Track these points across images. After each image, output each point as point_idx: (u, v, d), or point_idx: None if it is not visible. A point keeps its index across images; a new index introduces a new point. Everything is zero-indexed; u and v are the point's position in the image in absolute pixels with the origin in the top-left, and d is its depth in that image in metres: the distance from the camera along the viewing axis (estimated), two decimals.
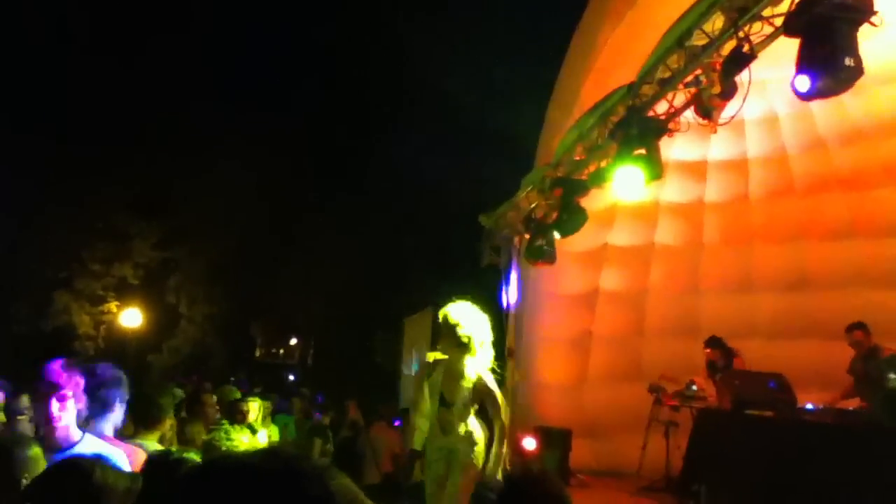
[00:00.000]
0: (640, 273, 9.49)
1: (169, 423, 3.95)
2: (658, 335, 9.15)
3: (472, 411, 4.75)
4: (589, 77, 8.36)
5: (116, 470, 2.25)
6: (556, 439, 7.95)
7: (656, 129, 6.64)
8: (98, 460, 2.28)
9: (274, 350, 31.17)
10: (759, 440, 6.02)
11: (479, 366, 4.74)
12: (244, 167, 20.56)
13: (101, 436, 3.02)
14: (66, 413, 2.72)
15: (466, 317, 4.86)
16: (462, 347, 4.75)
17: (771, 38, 5.18)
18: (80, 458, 2.35)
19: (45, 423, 2.73)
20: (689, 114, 6.17)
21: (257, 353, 29.18)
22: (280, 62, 21.11)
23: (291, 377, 28.81)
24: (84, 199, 19.09)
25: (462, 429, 4.69)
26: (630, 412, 8.33)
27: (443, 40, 19.26)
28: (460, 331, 4.77)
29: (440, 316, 4.93)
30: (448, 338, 4.81)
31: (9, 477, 2.27)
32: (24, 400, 3.94)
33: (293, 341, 30.93)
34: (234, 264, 21.64)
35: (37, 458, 2.42)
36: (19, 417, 3.91)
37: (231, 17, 19.74)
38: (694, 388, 7.68)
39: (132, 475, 2.39)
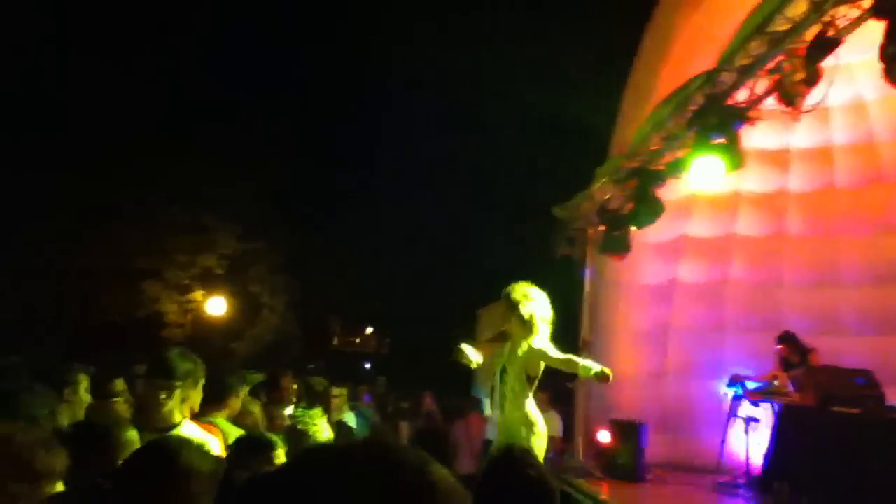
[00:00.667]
0: (720, 265, 9.26)
1: (240, 404, 4.08)
2: (738, 329, 8.93)
3: (531, 392, 4.77)
4: (665, 65, 8.21)
5: (203, 453, 2.33)
6: (631, 433, 7.86)
7: (736, 118, 6.48)
8: (185, 443, 2.38)
9: (350, 339, 31.79)
10: (845, 438, 5.83)
11: (539, 344, 4.77)
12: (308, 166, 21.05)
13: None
14: (170, 399, 2.88)
15: (528, 295, 4.89)
16: (525, 326, 4.79)
17: (858, 21, 4.98)
18: (168, 441, 2.46)
19: (149, 407, 2.89)
20: (772, 101, 6.00)
21: (334, 342, 29.82)
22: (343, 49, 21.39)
23: (367, 366, 29.36)
24: (172, 194, 19.95)
25: (518, 410, 4.70)
26: (709, 407, 8.18)
27: (515, 30, 19.20)
28: (522, 309, 4.81)
29: (503, 294, 4.97)
30: (510, 316, 4.86)
31: (107, 458, 2.42)
32: (119, 384, 4.16)
33: (369, 330, 31.49)
34: (313, 255, 22.16)
35: (133, 440, 2.58)
36: (114, 400, 4.09)
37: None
38: (776, 383, 7.48)
39: (217, 458, 2.49)
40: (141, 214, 19.78)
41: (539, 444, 4.65)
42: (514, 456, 2.44)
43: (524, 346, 4.80)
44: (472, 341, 5.16)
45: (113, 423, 2.73)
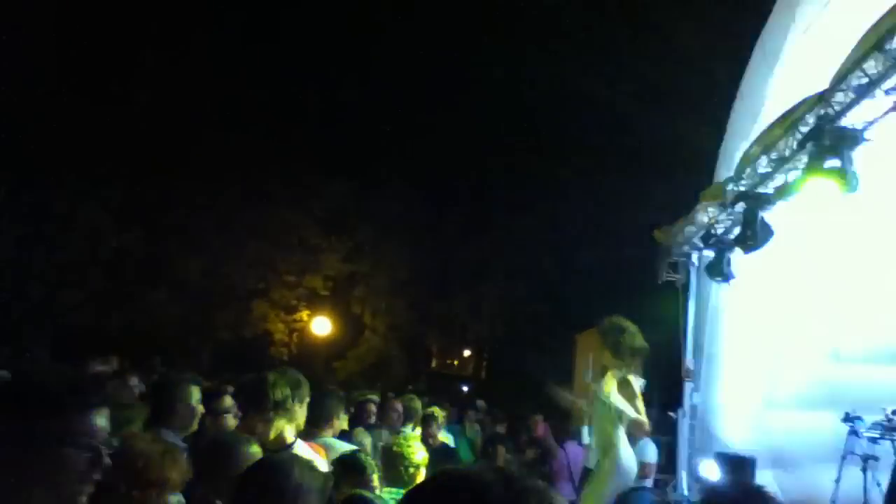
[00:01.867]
0: (836, 293, 8.79)
1: (344, 423, 4.20)
2: (855, 360, 8.43)
3: (620, 421, 4.70)
4: (774, 85, 7.94)
5: (313, 470, 2.44)
6: (738, 467, 7.54)
7: (852, 139, 6.20)
8: (297, 460, 2.48)
9: (448, 361, 31.95)
10: None
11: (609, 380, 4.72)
12: (418, 188, 21.41)
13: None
14: (269, 426, 3.02)
15: (615, 329, 4.86)
16: (612, 359, 4.76)
17: None
18: (280, 458, 2.57)
19: (250, 432, 3.04)
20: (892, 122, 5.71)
21: (433, 364, 30.05)
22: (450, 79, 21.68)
23: (465, 388, 29.39)
24: (280, 215, 20.82)
25: (601, 434, 4.65)
26: (822, 442, 7.75)
27: (611, 47, 18.99)
28: (608, 343, 4.78)
29: (611, 326, 4.92)
30: (602, 349, 4.83)
31: (230, 471, 2.56)
32: (227, 400, 4.38)
33: (467, 353, 31.55)
34: (412, 280, 22.51)
35: (255, 454, 2.72)
36: (225, 416, 4.30)
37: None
38: None
39: (326, 475, 2.59)
40: (252, 234, 20.71)
41: (608, 469, 4.60)
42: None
43: (608, 378, 4.78)
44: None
45: (237, 439, 2.87)
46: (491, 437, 10.66)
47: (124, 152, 18.57)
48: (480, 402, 13.46)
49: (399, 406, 6.68)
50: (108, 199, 18.57)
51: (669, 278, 9.64)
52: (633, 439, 9.23)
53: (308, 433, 3.35)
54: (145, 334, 19.09)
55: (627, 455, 4.66)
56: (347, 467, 2.84)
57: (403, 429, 6.34)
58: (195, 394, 3.60)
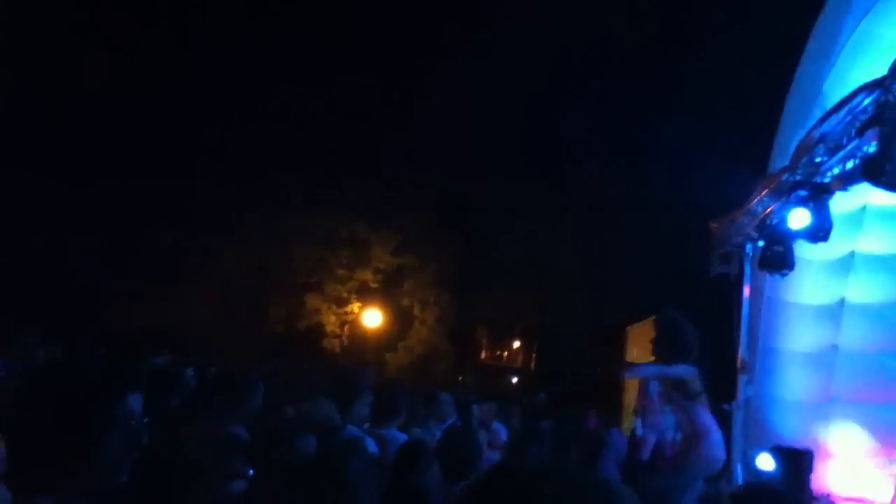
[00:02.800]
0: (894, 283, 8.57)
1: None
2: None
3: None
4: (831, 71, 7.77)
5: (369, 459, 2.53)
6: (795, 460, 7.43)
7: None
8: (354, 449, 2.58)
9: (498, 353, 31.98)
10: None
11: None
12: (463, 179, 21.44)
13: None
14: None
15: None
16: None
17: None
18: (338, 448, 2.67)
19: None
20: None
21: (482, 356, 30.12)
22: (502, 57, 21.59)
23: (514, 380, 29.41)
24: (332, 211, 21.12)
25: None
26: (882, 436, 7.58)
27: (662, 30, 18.71)
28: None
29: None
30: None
31: (291, 459, 2.67)
32: (287, 392, 4.51)
33: (516, 345, 31.53)
34: (462, 271, 22.59)
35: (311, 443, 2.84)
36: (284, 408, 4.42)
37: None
38: None
39: (380, 464, 2.68)
40: (304, 228, 21.05)
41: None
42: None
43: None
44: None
45: (293, 429, 2.99)
46: (535, 407, 10.60)
47: (172, 150, 19.05)
48: (542, 396, 13.42)
49: (449, 398, 6.76)
50: (156, 196, 19.06)
51: (722, 270, 9.51)
52: None
53: (375, 424, 3.44)
54: (196, 330, 19.59)
55: (717, 438, 4.67)
56: (412, 454, 2.92)
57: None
58: (260, 389, 3.73)
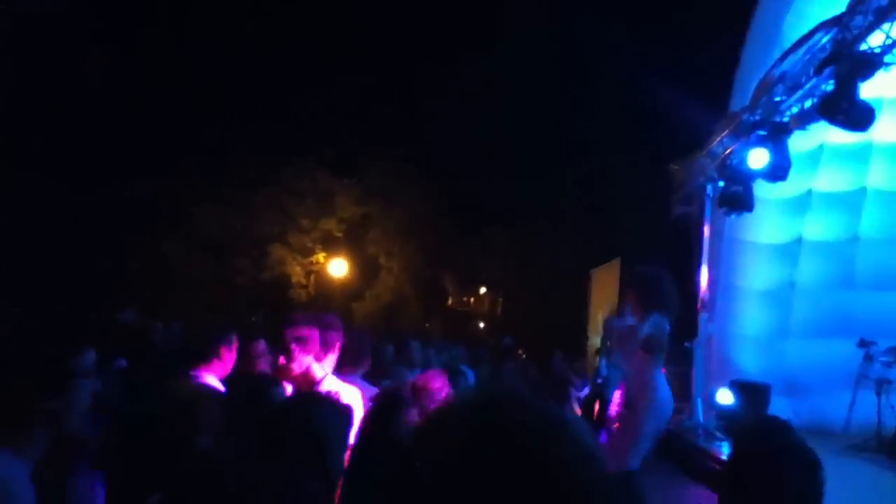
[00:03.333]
0: (850, 221, 8.77)
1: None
2: (870, 287, 8.47)
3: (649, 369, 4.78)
4: (790, 10, 7.77)
5: (337, 407, 2.52)
6: (754, 394, 7.68)
7: (869, 64, 6.09)
8: (320, 399, 2.57)
9: (464, 299, 32.24)
10: None
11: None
12: (434, 130, 21.27)
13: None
14: (306, 357, 3.13)
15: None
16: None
17: None
18: (305, 397, 2.66)
19: (289, 364, 3.14)
20: None
21: (449, 302, 30.35)
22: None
23: (481, 325, 29.76)
24: (293, 161, 20.81)
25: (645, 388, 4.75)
26: (836, 368, 7.86)
27: None
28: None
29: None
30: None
31: (266, 411, 2.66)
32: (261, 344, 4.48)
33: (482, 291, 31.80)
34: (426, 219, 22.56)
35: (283, 394, 2.84)
36: (259, 359, 4.40)
37: None
38: None
39: (350, 412, 2.67)
40: (266, 179, 20.75)
41: (645, 409, 4.68)
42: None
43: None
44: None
45: (270, 381, 2.97)
46: (502, 350, 10.80)
47: (136, 102, 18.55)
48: (508, 339, 13.60)
49: (417, 344, 6.81)
50: (121, 148, 18.60)
51: (683, 210, 9.65)
52: None
53: (342, 373, 3.43)
54: (163, 282, 19.37)
55: (665, 396, 4.72)
56: (386, 401, 2.93)
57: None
58: (233, 340, 3.71)
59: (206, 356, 3.42)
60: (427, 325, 22.81)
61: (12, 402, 1.83)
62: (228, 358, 3.55)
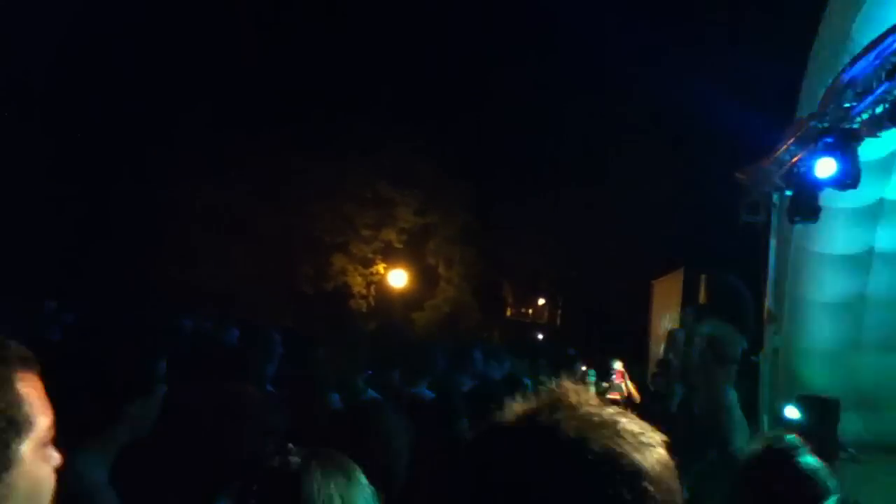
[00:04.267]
0: None
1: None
2: None
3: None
4: (860, 13, 7.54)
5: (399, 416, 2.57)
6: (822, 409, 7.43)
7: None
8: (382, 406, 2.63)
9: (523, 310, 32.05)
10: None
11: None
12: (484, 136, 21.34)
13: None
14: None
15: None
16: None
17: None
18: (367, 405, 2.72)
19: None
20: None
21: (508, 313, 30.23)
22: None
23: (540, 336, 29.55)
24: (356, 171, 21.12)
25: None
26: None
27: None
28: None
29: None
30: None
31: (322, 417, 2.74)
32: (322, 350, 4.58)
33: (541, 301, 31.57)
34: (485, 229, 22.60)
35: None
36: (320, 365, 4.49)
37: None
38: None
39: (409, 420, 2.71)
40: (328, 189, 21.08)
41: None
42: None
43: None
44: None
45: (323, 386, 3.05)
46: (563, 361, 10.75)
47: (202, 108, 19.07)
48: (572, 350, 13.46)
49: (479, 354, 6.82)
50: (186, 154, 19.14)
51: (750, 219, 9.41)
52: None
53: (408, 382, 3.49)
54: (228, 289, 19.84)
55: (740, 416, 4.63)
56: (440, 409, 2.98)
57: None
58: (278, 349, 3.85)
59: (261, 362, 3.53)
60: (486, 335, 22.77)
61: (102, 403, 1.95)
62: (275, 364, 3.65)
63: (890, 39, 6.23)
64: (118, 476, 2.03)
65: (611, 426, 0.86)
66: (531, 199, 22.32)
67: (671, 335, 10.84)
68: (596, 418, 0.87)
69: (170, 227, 19.43)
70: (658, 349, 12.82)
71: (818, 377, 8.26)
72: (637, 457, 0.84)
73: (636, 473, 0.83)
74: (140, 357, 2.16)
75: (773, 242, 8.72)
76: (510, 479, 0.84)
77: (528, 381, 7.45)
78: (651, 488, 0.83)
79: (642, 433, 0.87)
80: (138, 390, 2.05)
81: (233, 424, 2.11)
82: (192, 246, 19.65)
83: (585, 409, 0.89)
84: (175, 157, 18.97)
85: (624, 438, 0.85)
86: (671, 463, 0.87)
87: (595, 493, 0.81)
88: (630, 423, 0.88)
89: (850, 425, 7.62)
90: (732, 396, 7.36)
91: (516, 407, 0.92)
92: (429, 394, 4.02)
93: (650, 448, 0.86)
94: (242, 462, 2.23)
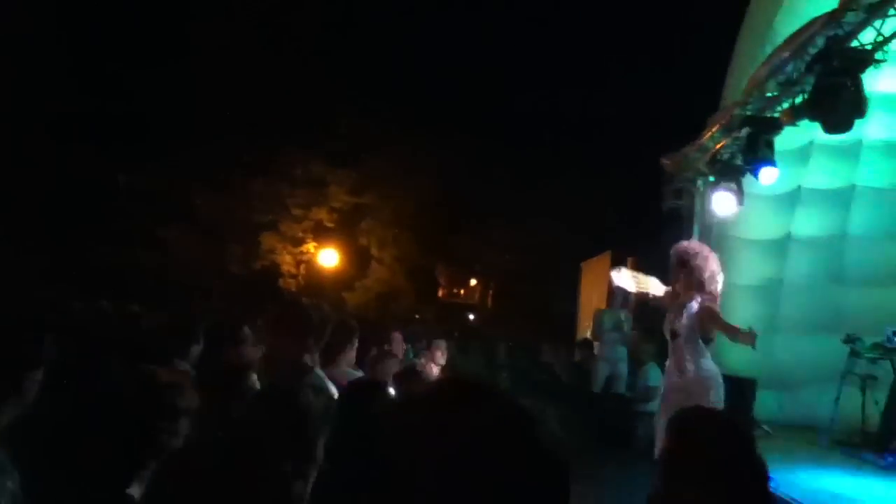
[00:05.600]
0: (840, 217, 8.80)
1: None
2: (859, 283, 8.51)
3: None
4: (783, 5, 7.77)
5: (319, 393, 2.53)
6: (738, 389, 7.71)
7: (861, 61, 6.10)
8: (304, 385, 2.57)
9: (455, 291, 32.23)
10: None
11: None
12: (427, 121, 21.26)
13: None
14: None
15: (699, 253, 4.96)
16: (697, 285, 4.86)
17: None
18: (287, 384, 2.67)
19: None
20: None
21: (440, 294, 30.35)
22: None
23: (471, 316, 29.76)
24: (286, 149, 20.67)
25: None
26: (823, 364, 7.90)
27: None
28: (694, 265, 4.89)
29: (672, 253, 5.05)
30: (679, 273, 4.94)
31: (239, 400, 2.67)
32: (246, 330, 4.49)
33: (473, 282, 31.80)
34: (420, 211, 22.54)
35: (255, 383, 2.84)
36: (243, 346, 4.41)
37: None
38: None
39: (330, 398, 2.67)
40: (260, 167, 20.60)
41: (717, 400, 4.76)
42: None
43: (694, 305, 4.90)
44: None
45: (245, 366, 2.98)
46: (489, 340, 10.90)
47: (130, 87, 18.42)
48: (499, 331, 13.63)
49: (399, 336, 6.81)
50: (119, 134, 18.46)
51: (674, 204, 9.65)
52: (637, 363, 9.46)
53: (325, 363, 3.44)
54: (159, 269, 19.28)
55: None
56: (362, 389, 2.94)
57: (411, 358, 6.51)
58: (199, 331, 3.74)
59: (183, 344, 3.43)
60: (417, 316, 22.80)
61: None
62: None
63: (811, 31, 6.43)
64: (25, 458, 1.93)
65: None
66: (467, 182, 22.39)
67: (596, 315, 11.09)
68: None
69: (101, 207, 18.75)
70: (586, 329, 13.07)
71: (736, 357, 8.54)
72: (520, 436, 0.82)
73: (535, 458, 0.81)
74: (23, 335, 2.06)
75: (696, 227, 8.97)
76: (426, 464, 0.80)
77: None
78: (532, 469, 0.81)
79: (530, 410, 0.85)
80: (20, 366, 1.97)
81: (144, 406, 2.03)
82: (121, 225, 19.01)
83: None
84: (106, 136, 18.25)
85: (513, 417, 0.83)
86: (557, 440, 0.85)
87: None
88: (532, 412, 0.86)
89: (767, 404, 7.93)
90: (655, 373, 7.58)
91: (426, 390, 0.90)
92: (355, 374, 3.98)
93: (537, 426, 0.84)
94: (154, 445, 2.15)
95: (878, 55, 6.06)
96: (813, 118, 6.19)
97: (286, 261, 21.99)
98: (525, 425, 0.83)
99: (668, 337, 5.08)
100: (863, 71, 6.03)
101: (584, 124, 20.34)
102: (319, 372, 3.27)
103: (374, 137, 21.18)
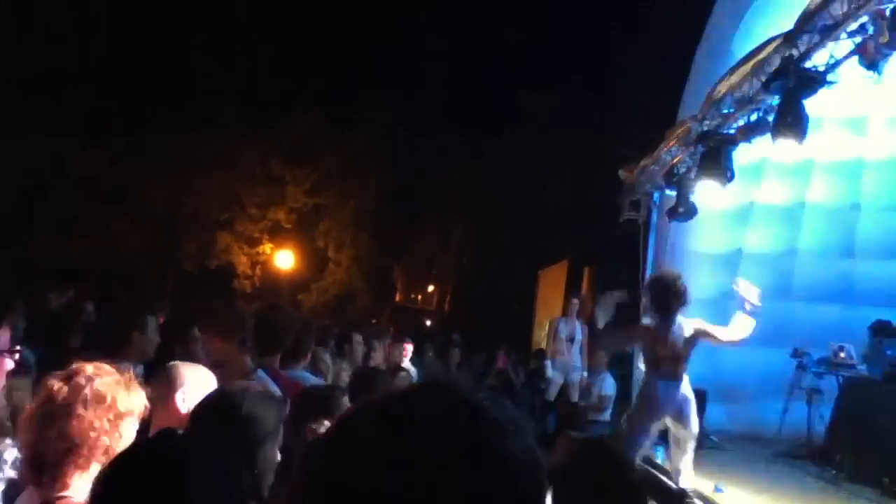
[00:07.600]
0: (789, 234, 9.02)
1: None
2: (806, 299, 8.72)
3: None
4: (740, 24, 7.94)
5: (267, 400, 2.46)
6: None
7: (814, 82, 6.26)
8: (246, 390, 2.50)
9: (413, 295, 32.16)
10: None
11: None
12: (388, 119, 21.19)
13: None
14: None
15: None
16: None
17: None
18: (232, 388, 2.60)
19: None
20: (852, 65, 5.79)
21: (397, 298, 30.26)
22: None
23: (428, 322, 29.73)
24: (244, 146, 20.31)
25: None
26: (771, 377, 8.07)
27: None
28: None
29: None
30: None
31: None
32: (196, 331, 4.39)
33: (430, 288, 31.79)
34: (378, 212, 22.45)
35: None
36: (194, 345, 4.31)
37: None
38: (842, 355, 7.32)
39: (280, 405, 2.61)
40: (217, 163, 20.18)
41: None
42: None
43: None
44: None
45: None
46: (447, 341, 10.88)
47: (87, 73, 17.90)
48: (456, 337, 13.56)
49: (360, 338, 6.77)
50: (70, 121, 17.88)
51: (631, 216, 9.78)
52: (594, 373, 9.54)
53: (283, 365, 3.38)
54: (108, 263, 18.77)
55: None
56: (315, 396, 2.88)
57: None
58: (151, 324, 3.61)
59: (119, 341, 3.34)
60: (374, 320, 22.69)
61: None
62: (141, 344, 3.46)
63: (767, 50, 6.58)
64: None
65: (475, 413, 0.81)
66: (427, 187, 22.39)
67: (551, 324, 11.17)
68: (461, 404, 0.82)
69: (46, 193, 18.14)
70: (542, 336, 13.13)
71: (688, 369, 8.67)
72: (499, 445, 0.79)
73: (496, 463, 0.78)
74: None
75: (652, 238, 9.10)
76: (364, 475, 0.77)
77: (409, 367, 7.43)
78: (511, 478, 0.78)
79: (509, 421, 0.82)
80: None
81: (82, 405, 1.96)
82: (69, 215, 18.45)
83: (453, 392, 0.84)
84: (57, 118, 17.61)
85: (487, 426, 0.80)
86: (537, 451, 0.82)
87: (453, 485, 0.76)
88: (497, 410, 0.82)
89: (714, 415, 8.06)
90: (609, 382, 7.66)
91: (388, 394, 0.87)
92: (310, 377, 3.92)
93: (514, 436, 0.81)
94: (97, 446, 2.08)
95: (829, 77, 6.22)
96: (773, 132, 6.32)
97: (241, 261, 21.64)
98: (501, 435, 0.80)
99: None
100: (815, 91, 6.18)
101: (546, 132, 20.44)
102: (262, 373, 3.22)
103: (335, 136, 21.01)
